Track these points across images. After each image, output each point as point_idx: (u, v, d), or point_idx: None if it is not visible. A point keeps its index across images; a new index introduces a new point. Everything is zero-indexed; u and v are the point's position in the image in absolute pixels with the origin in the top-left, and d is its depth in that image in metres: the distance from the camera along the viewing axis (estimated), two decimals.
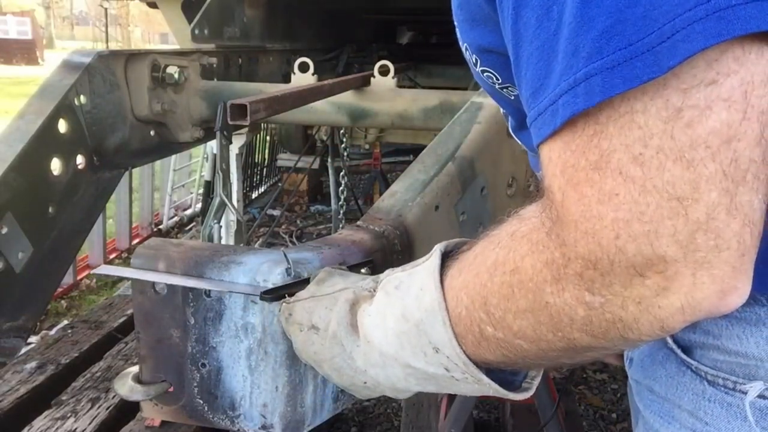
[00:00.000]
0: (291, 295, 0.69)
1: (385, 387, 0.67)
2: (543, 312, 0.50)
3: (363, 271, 0.76)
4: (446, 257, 0.62)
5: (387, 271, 0.67)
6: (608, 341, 0.49)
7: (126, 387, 0.76)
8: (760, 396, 0.62)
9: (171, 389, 0.76)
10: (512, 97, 0.69)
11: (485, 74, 0.68)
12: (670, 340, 0.70)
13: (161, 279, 0.73)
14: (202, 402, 0.75)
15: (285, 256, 0.72)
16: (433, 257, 0.62)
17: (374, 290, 0.66)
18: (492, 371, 0.61)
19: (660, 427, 0.73)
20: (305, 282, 0.70)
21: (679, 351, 0.69)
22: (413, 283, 0.62)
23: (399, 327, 0.61)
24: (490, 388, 0.61)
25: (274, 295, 0.69)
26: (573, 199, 0.46)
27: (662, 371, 0.72)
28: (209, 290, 0.72)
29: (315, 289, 0.69)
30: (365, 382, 0.67)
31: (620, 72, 0.42)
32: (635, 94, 0.43)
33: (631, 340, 0.49)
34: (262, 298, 0.68)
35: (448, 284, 0.59)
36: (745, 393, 0.63)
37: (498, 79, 0.67)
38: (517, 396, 0.63)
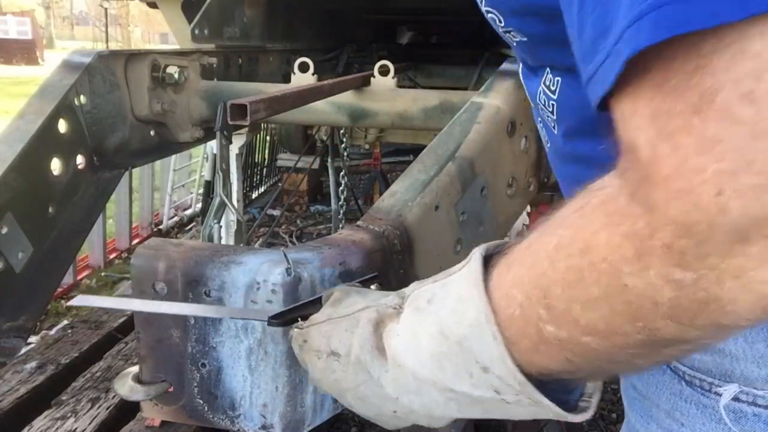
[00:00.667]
0: (303, 318, 0.65)
1: (419, 415, 0.59)
2: (619, 298, 0.42)
3: (372, 287, 0.71)
4: (486, 262, 0.55)
5: (414, 284, 0.60)
6: (699, 329, 0.42)
7: (126, 387, 0.76)
8: (735, 399, 0.61)
9: (171, 389, 0.76)
10: (514, 43, 0.66)
11: (489, 15, 0.65)
12: None
13: (143, 308, 0.70)
14: (202, 402, 0.75)
15: (285, 256, 0.72)
16: (472, 261, 0.53)
17: (400, 307, 0.59)
18: (543, 389, 0.53)
19: (639, 426, 0.72)
20: (316, 303, 0.66)
21: None
22: (449, 295, 0.54)
23: (436, 346, 0.54)
24: (550, 410, 0.52)
25: (283, 319, 0.65)
26: (665, 152, 0.38)
27: None
28: (209, 290, 0.72)
29: (331, 311, 0.63)
30: (395, 411, 0.60)
31: None
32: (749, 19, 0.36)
33: (727, 327, 0.41)
34: (269, 324, 0.65)
35: (495, 284, 0.52)
36: (720, 395, 0.62)
37: (501, 22, 0.64)
38: (576, 417, 0.55)
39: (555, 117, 0.69)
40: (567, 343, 0.47)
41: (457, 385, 0.54)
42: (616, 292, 0.42)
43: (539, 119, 0.76)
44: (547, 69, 0.68)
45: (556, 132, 0.71)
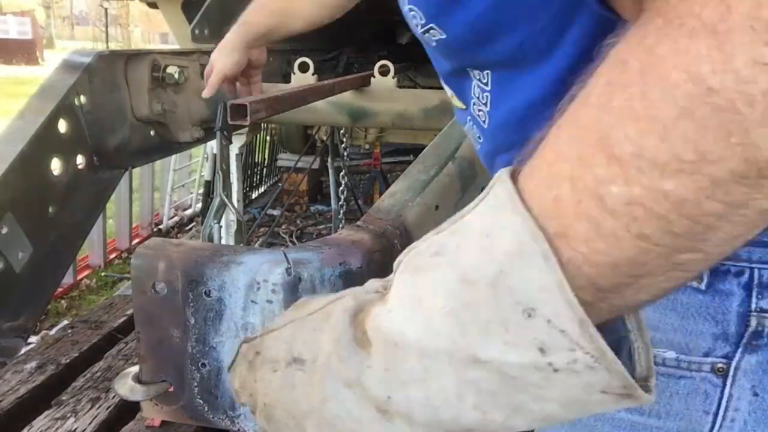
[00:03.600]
0: None
1: (419, 421, 0.41)
2: (704, 108, 0.31)
3: None
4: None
5: (399, 258, 0.45)
6: None
7: (126, 387, 0.76)
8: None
9: (171, 389, 0.76)
10: (433, 44, 0.63)
11: (411, 13, 0.63)
12: None
13: None
14: (202, 402, 0.75)
15: (285, 256, 0.72)
16: (500, 183, 0.39)
17: (385, 289, 0.46)
18: None
19: None
20: None
21: None
22: (468, 237, 0.40)
23: (455, 300, 0.39)
24: (618, 376, 0.36)
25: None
26: None
27: None
28: (209, 290, 0.72)
29: (294, 313, 0.50)
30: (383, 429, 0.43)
31: None
32: None
33: None
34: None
35: (524, 185, 0.39)
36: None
37: (422, 20, 0.61)
38: (646, 398, 0.38)
39: (488, 109, 0.69)
40: (641, 200, 0.34)
41: (484, 350, 0.38)
42: (699, 102, 0.32)
43: (468, 118, 0.76)
44: (472, 67, 0.68)
45: (486, 125, 0.71)
